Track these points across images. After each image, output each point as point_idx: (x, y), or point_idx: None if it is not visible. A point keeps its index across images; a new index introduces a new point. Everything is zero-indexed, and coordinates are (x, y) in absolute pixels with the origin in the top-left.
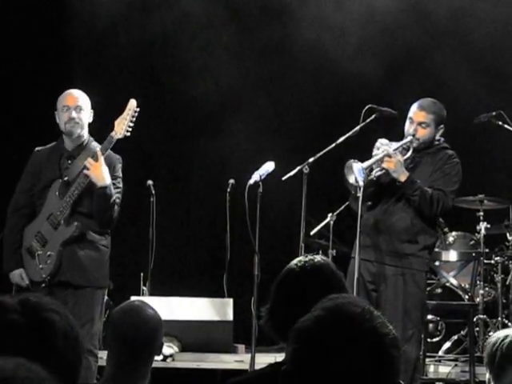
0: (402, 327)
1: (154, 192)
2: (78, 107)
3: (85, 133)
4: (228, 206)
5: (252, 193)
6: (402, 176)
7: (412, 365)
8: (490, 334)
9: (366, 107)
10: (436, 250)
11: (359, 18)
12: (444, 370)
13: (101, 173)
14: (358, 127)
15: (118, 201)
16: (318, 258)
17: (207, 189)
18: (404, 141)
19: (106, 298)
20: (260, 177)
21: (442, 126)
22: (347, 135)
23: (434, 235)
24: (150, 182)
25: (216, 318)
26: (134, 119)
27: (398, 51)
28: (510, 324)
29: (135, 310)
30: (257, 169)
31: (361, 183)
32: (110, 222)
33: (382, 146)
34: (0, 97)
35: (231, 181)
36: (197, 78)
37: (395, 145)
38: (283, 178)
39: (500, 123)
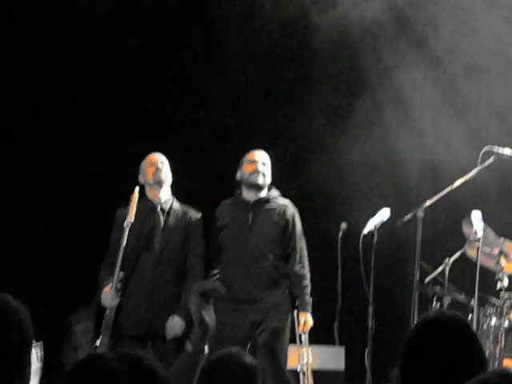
0: None
1: None
2: None
3: None
4: (340, 251)
5: (366, 241)
6: None
7: None
8: None
9: (484, 149)
10: None
11: None
12: None
13: None
14: (475, 171)
15: None
16: (457, 314)
17: (318, 232)
18: None
19: None
20: (375, 226)
21: None
22: (464, 179)
23: None
24: None
25: (327, 366)
26: None
27: None
28: None
29: (234, 357)
30: (372, 215)
31: (479, 234)
32: None
33: None
34: None
35: (343, 225)
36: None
37: None
38: (398, 223)
39: None
